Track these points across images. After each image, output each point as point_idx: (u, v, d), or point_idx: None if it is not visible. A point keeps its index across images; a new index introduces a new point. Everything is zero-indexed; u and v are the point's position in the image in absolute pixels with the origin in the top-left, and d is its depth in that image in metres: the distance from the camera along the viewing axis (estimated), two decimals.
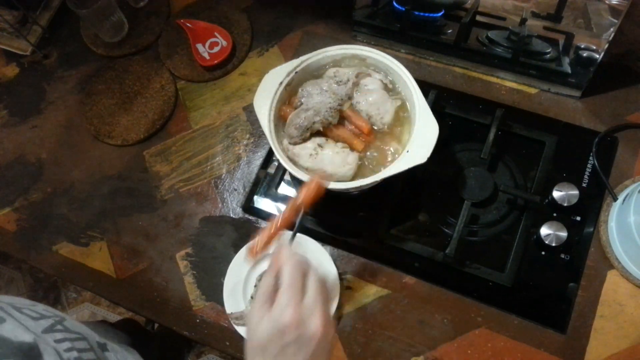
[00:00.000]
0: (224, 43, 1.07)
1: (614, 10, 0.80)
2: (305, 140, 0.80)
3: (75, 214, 1.00)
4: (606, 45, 0.84)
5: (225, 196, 0.97)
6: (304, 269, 0.57)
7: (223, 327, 0.86)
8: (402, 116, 0.83)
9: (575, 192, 0.83)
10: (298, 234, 0.86)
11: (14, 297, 0.60)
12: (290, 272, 0.56)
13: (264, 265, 0.87)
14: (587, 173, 0.87)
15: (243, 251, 0.87)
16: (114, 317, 1.86)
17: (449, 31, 1.00)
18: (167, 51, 1.11)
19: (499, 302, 0.81)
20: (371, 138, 0.81)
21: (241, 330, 0.82)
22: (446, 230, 0.87)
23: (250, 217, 0.94)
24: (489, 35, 0.97)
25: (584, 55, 0.89)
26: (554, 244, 0.81)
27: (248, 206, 0.95)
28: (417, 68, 1.01)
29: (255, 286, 0.85)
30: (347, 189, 0.78)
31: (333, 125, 0.81)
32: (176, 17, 1.13)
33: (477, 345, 0.80)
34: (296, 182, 0.95)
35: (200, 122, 1.04)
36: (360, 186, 0.77)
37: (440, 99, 0.95)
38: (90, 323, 0.95)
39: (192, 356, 1.74)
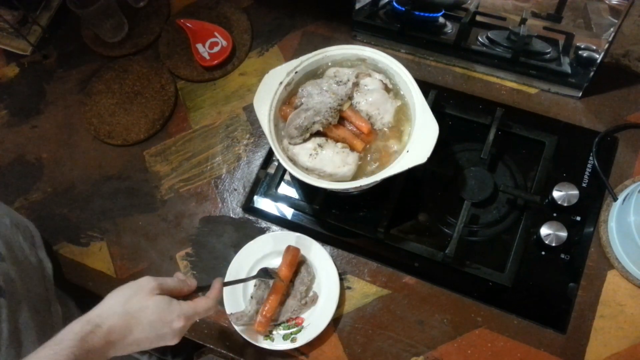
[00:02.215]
0: (224, 43, 1.07)
1: (614, 10, 0.80)
2: (305, 140, 0.80)
3: (75, 214, 1.00)
4: (606, 45, 0.84)
5: (225, 196, 0.97)
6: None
7: (223, 327, 0.86)
8: (402, 116, 0.83)
9: (575, 192, 0.83)
10: (300, 234, 0.87)
11: None
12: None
13: (263, 265, 0.87)
14: (587, 173, 0.87)
15: (243, 251, 0.87)
16: None
17: (449, 31, 1.00)
18: (167, 51, 1.11)
19: (499, 302, 0.81)
20: (371, 138, 0.81)
21: (241, 330, 0.82)
22: (446, 230, 0.87)
23: (250, 217, 0.94)
24: (489, 35, 0.97)
25: (584, 55, 0.89)
26: (554, 244, 0.81)
27: (248, 206, 0.95)
28: (417, 68, 1.01)
29: (255, 286, 0.85)
30: (347, 189, 0.78)
31: (333, 125, 0.80)
32: (176, 17, 1.13)
33: (477, 345, 0.80)
34: (296, 182, 0.95)
35: (200, 122, 1.04)
36: (360, 186, 0.77)
37: (440, 99, 0.95)
38: None
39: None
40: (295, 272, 0.85)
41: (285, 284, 0.83)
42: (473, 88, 0.98)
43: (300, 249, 0.85)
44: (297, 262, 0.84)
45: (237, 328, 0.82)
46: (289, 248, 0.84)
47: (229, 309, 0.83)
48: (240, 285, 0.85)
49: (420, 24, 1.01)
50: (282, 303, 0.83)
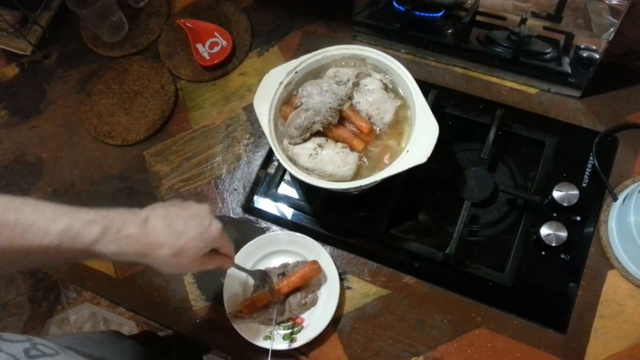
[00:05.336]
0: (224, 43, 1.07)
1: (614, 10, 0.80)
2: (305, 140, 0.80)
3: None
4: (606, 45, 0.84)
5: (225, 196, 0.97)
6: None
7: (223, 327, 0.85)
8: (402, 116, 0.83)
9: (575, 192, 0.83)
10: (300, 234, 0.87)
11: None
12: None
13: (263, 265, 0.87)
14: (587, 173, 0.87)
15: (243, 251, 0.87)
16: (114, 317, 1.86)
17: (449, 31, 1.00)
18: (167, 51, 1.11)
19: (499, 302, 0.81)
20: (371, 138, 0.81)
21: (241, 330, 0.82)
22: (446, 230, 0.87)
23: (250, 217, 0.94)
24: (489, 35, 0.97)
25: (584, 55, 0.89)
26: (554, 244, 0.81)
27: (248, 206, 0.95)
28: (417, 68, 1.01)
29: (254, 286, 0.85)
30: (347, 189, 0.78)
31: (333, 125, 0.81)
32: (176, 17, 1.13)
33: (477, 345, 0.80)
34: (296, 182, 0.95)
35: (200, 122, 1.04)
36: (360, 186, 0.77)
37: (440, 99, 0.95)
38: (102, 333, 0.95)
39: None
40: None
41: (273, 299, 0.82)
42: (473, 88, 0.98)
43: (322, 271, 0.83)
44: (307, 280, 0.83)
45: (237, 327, 0.82)
46: (314, 263, 0.82)
47: (229, 309, 0.83)
48: (241, 287, 0.86)
49: (420, 24, 1.01)
50: (268, 307, 0.83)
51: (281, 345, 0.81)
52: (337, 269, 0.84)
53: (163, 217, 0.64)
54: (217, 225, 0.67)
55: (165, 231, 0.63)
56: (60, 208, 0.59)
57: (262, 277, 0.81)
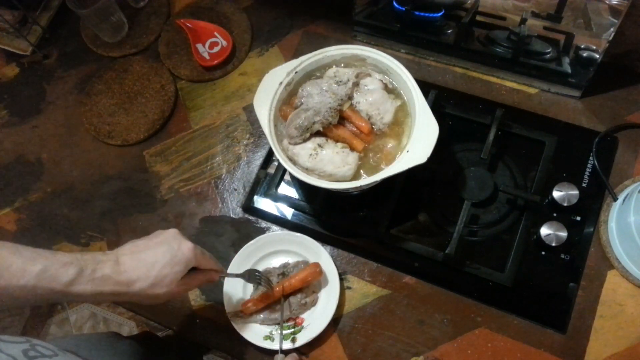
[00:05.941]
0: (224, 43, 1.07)
1: (614, 10, 0.80)
2: (305, 140, 0.80)
3: (75, 214, 1.00)
4: (606, 45, 0.84)
5: (225, 196, 0.97)
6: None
7: (223, 327, 0.85)
8: (402, 116, 0.83)
9: (575, 192, 0.83)
10: (300, 235, 0.87)
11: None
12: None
13: (263, 265, 0.87)
14: (587, 173, 0.87)
15: (243, 251, 0.87)
16: (114, 317, 1.86)
17: (449, 31, 1.00)
18: (167, 51, 1.11)
19: (499, 302, 0.81)
20: (371, 138, 0.81)
21: (241, 329, 0.82)
22: (446, 230, 0.87)
23: (250, 217, 0.94)
24: (489, 35, 0.97)
25: (584, 55, 0.89)
26: (554, 244, 0.81)
27: (248, 206, 0.95)
28: (417, 68, 1.01)
29: (253, 287, 0.85)
30: (347, 189, 0.78)
31: (333, 125, 0.81)
32: (176, 17, 1.13)
33: (477, 345, 0.80)
34: (296, 182, 0.95)
35: (200, 122, 1.04)
36: (360, 186, 0.77)
37: (440, 99, 0.95)
38: (100, 335, 0.95)
39: None
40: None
41: (272, 292, 0.81)
42: (473, 88, 0.98)
43: (323, 274, 0.83)
44: (308, 283, 0.83)
45: (237, 327, 0.82)
46: (316, 266, 0.82)
47: (228, 309, 0.83)
48: (240, 285, 0.86)
49: (420, 24, 1.01)
50: (268, 308, 0.83)
51: (282, 345, 0.81)
52: (337, 269, 0.84)
53: (132, 252, 0.66)
54: (187, 246, 0.68)
55: (136, 266, 0.64)
56: (37, 251, 0.61)
57: (253, 275, 0.81)
